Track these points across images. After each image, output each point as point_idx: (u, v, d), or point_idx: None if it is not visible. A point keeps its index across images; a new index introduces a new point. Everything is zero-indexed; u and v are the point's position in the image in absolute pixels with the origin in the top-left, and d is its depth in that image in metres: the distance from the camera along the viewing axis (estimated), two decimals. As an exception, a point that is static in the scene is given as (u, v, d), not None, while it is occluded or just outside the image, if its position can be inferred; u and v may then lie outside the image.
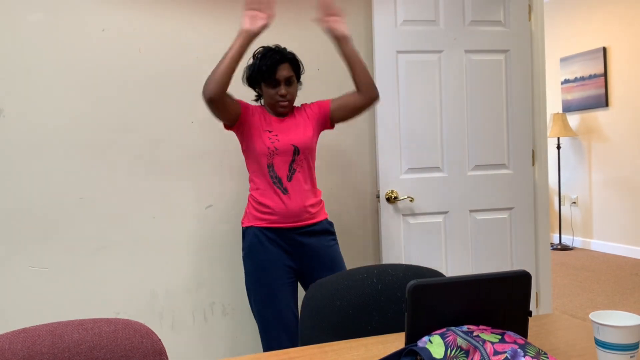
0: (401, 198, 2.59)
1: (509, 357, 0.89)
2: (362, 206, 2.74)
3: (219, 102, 1.88)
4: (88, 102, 2.36)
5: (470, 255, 2.71)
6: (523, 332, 1.05)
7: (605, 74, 5.39)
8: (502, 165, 2.75)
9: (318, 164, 2.64)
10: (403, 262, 2.62)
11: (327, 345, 1.25)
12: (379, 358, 1.15)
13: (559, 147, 5.84)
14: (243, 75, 2.12)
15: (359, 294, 1.48)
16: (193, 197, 2.49)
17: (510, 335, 0.95)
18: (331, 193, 2.68)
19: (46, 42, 2.30)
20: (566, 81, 5.90)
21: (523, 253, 2.78)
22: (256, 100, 2.17)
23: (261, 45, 2.07)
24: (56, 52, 2.31)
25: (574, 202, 5.93)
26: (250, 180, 2.07)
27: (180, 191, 2.48)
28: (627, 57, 5.19)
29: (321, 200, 2.12)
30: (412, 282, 0.97)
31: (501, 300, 1.02)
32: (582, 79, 5.66)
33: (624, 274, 4.66)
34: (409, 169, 2.62)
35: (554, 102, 6.12)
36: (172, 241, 2.47)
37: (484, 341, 0.92)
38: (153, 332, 1.18)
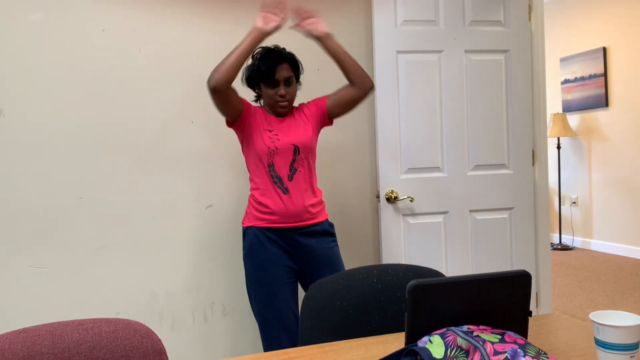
0: (401, 198, 2.59)
1: (509, 357, 0.89)
2: (362, 206, 2.74)
3: (222, 93, 1.88)
4: (88, 102, 2.36)
5: (470, 255, 2.71)
6: (523, 332, 1.05)
7: (605, 74, 5.39)
8: (502, 165, 2.75)
9: (318, 164, 2.64)
10: (403, 262, 2.62)
11: (327, 345, 1.25)
12: (379, 358, 1.15)
13: (559, 147, 5.84)
14: (242, 76, 2.12)
15: (359, 294, 1.48)
16: (193, 197, 2.49)
17: (510, 335, 0.95)
18: (331, 193, 2.68)
19: (46, 42, 2.30)
20: (566, 81, 5.90)
21: (523, 253, 2.77)
22: (256, 100, 2.17)
23: (260, 46, 2.07)
24: (56, 52, 2.31)
25: (574, 202, 5.93)
26: (251, 180, 2.07)
27: (180, 191, 2.48)
28: (627, 57, 5.19)
29: (322, 201, 2.12)
30: (412, 282, 0.97)
31: (501, 300, 1.02)
32: (582, 79, 5.66)
33: (624, 274, 4.66)
34: (409, 169, 2.62)
35: (554, 102, 6.12)
36: (172, 241, 2.47)
37: (484, 341, 0.92)
38: (153, 332, 1.18)
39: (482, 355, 0.90)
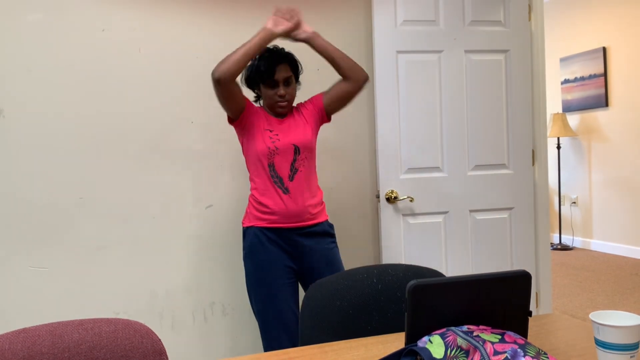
0: (401, 198, 2.59)
1: (509, 357, 0.89)
2: (362, 206, 2.74)
3: (226, 86, 1.88)
4: (88, 102, 2.36)
5: (470, 255, 2.71)
6: (523, 332, 1.05)
7: (605, 74, 5.39)
8: (502, 165, 2.75)
9: (318, 164, 2.64)
10: (403, 262, 2.62)
11: (327, 345, 1.25)
12: (379, 358, 1.15)
13: (559, 147, 5.84)
14: (242, 76, 2.12)
15: (359, 294, 1.48)
16: (193, 197, 2.49)
17: (510, 335, 0.95)
18: (331, 193, 2.68)
19: (46, 42, 2.30)
20: (566, 81, 5.90)
21: (523, 253, 2.77)
22: (255, 101, 2.17)
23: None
24: (56, 52, 2.31)
25: (574, 202, 5.93)
26: (251, 180, 2.07)
27: (180, 191, 2.48)
28: (627, 57, 5.19)
29: (322, 202, 2.12)
30: (412, 282, 0.97)
31: (501, 300, 1.02)
32: (582, 79, 5.66)
33: (624, 274, 4.66)
34: (409, 169, 2.62)
35: (554, 102, 6.12)
36: (172, 241, 2.47)
37: (484, 341, 0.92)
38: (153, 332, 1.18)
39: (482, 355, 0.90)
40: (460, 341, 0.94)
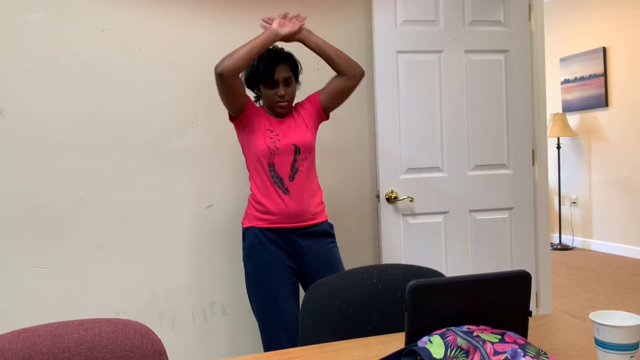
0: (401, 198, 2.59)
1: (509, 357, 0.89)
2: (362, 206, 2.74)
3: (228, 81, 1.88)
4: (88, 102, 2.36)
5: (470, 255, 2.71)
6: (523, 332, 1.05)
7: (605, 74, 5.39)
8: (502, 165, 2.75)
9: (318, 164, 2.64)
10: (403, 262, 2.62)
11: (327, 345, 1.25)
12: (379, 358, 1.15)
13: (559, 147, 5.84)
14: (242, 77, 2.11)
15: (359, 294, 1.48)
16: (193, 197, 2.49)
17: (510, 335, 0.95)
18: (331, 193, 2.68)
19: (46, 42, 2.30)
20: (566, 81, 5.90)
21: (523, 253, 2.77)
22: (255, 101, 2.17)
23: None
24: (56, 52, 2.31)
25: (574, 202, 5.93)
26: (251, 180, 2.07)
27: (180, 191, 2.48)
28: (627, 57, 5.19)
29: (322, 202, 2.12)
30: (412, 282, 0.97)
31: (501, 300, 1.02)
32: (582, 79, 5.66)
33: (624, 274, 4.66)
34: (409, 169, 2.62)
35: (554, 102, 6.12)
36: (172, 241, 2.47)
37: (484, 341, 0.92)
38: (153, 332, 1.18)
39: (482, 355, 0.90)
40: (460, 341, 0.94)
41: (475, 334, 0.95)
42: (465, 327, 0.98)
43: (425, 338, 0.97)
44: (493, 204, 2.73)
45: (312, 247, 2.04)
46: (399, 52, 2.59)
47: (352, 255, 2.71)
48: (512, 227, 2.76)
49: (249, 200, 2.08)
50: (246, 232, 2.05)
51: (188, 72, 2.47)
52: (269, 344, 2.00)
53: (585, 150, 5.74)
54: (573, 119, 5.87)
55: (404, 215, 2.62)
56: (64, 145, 2.33)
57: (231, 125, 2.49)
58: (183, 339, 2.49)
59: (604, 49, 5.39)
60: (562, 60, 5.93)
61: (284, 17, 1.98)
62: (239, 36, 2.51)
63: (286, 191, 2.00)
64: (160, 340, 1.18)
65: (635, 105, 5.14)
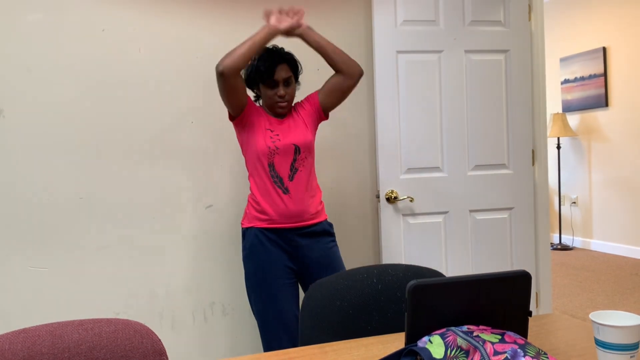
0: (401, 198, 2.59)
1: (509, 357, 0.89)
2: (362, 206, 2.74)
3: (229, 79, 1.88)
4: (88, 102, 2.36)
5: (470, 255, 2.71)
6: (523, 332, 1.05)
7: (605, 74, 5.39)
8: (502, 165, 2.75)
9: (318, 164, 2.64)
10: (403, 262, 2.62)
11: (327, 345, 1.25)
12: (379, 358, 1.15)
13: (559, 147, 5.84)
14: (241, 76, 2.11)
15: (359, 294, 1.48)
16: (193, 197, 2.49)
17: (510, 335, 0.95)
18: (331, 193, 2.68)
19: (46, 42, 2.30)
20: (566, 81, 5.90)
21: (523, 253, 2.77)
22: (255, 100, 2.17)
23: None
24: (56, 52, 2.31)
25: (574, 202, 5.93)
26: (250, 180, 2.07)
27: (180, 191, 2.48)
28: (627, 57, 5.19)
29: (321, 201, 2.12)
30: (412, 282, 0.97)
31: (501, 300, 1.02)
32: (582, 79, 5.66)
33: (624, 274, 4.66)
34: (409, 169, 2.62)
35: (554, 102, 6.12)
36: (172, 241, 2.47)
37: (484, 341, 0.92)
38: (153, 332, 1.18)
39: (482, 355, 0.90)
40: (460, 341, 0.94)
41: (475, 334, 0.95)
42: (465, 327, 0.98)
43: (425, 338, 0.97)
44: (493, 204, 2.73)
45: (312, 246, 2.04)
46: (399, 52, 2.59)
47: (352, 255, 2.71)
48: (512, 227, 2.76)
49: (248, 200, 2.08)
50: (246, 232, 2.05)
51: (188, 72, 2.47)
52: (269, 344, 2.00)
53: (585, 150, 5.74)
54: (573, 119, 5.87)
55: (404, 215, 2.62)
56: (64, 145, 2.33)
57: (231, 125, 2.49)
58: (183, 339, 2.49)
59: (604, 49, 5.39)
60: (562, 60, 5.93)
61: (282, 11, 1.96)
62: (239, 36, 2.51)
63: (286, 191, 2.00)
64: (160, 340, 1.18)
65: (635, 105, 5.14)
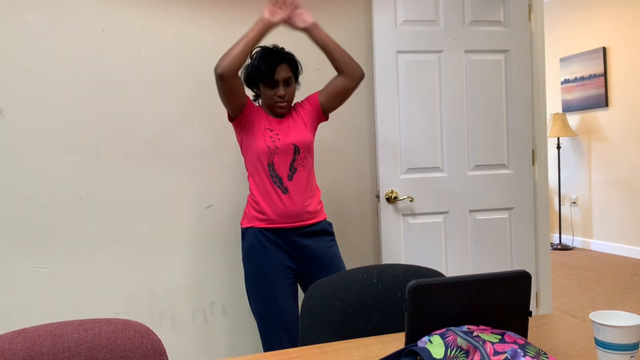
0: (401, 198, 2.59)
1: (509, 357, 0.89)
2: (362, 206, 2.74)
3: (229, 81, 1.87)
4: (88, 102, 2.36)
5: (470, 255, 2.71)
6: (523, 332, 1.05)
7: (605, 74, 5.39)
8: (502, 165, 2.75)
9: (318, 164, 2.64)
10: (403, 262, 2.62)
11: (327, 345, 1.25)
12: (379, 358, 1.15)
13: (559, 147, 5.84)
14: (241, 76, 2.11)
15: (359, 294, 1.48)
16: (193, 197, 2.49)
17: (510, 335, 0.95)
18: (331, 193, 2.68)
19: (46, 42, 2.30)
20: (566, 81, 5.90)
21: (523, 253, 2.77)
22: (254, 100, 2.17)
23: (259, 45, 2.07)
24: (56, 52, 2.31)
25: (574, 202, 5.93)
26: (250, 180, 2.07)
27: (180, 191, 2.48)
28: (627, 57, 5.19)
29: (321, 201, 2.12)
30: (412, 282, 0.97)
31: (501, 300, 1.02)
32: (582, 79, 5.66)
33: (624, 274, 4.66)
34: (409, 169, 2.62)
35: (554, 102, 6.12)
36: (172, 241, 2.47)
37: (484, 341, 0.92)
38: (153, 332, 1.18)
39: (482, 355, 0.90)
40: (460, 341, 0.94)
41: (475, 334, 0.95)
42: (465, 327, 0.98)
43: (425, 338, 0.97)
44: (493, 204, 2.73)
45: (312, 246, 2.04)
46: (399, 52, 2.59)
47: (352, 255, 2.71)
48: (512, 227, 2.76)
49: (247, 200, 2.08)
50: (245, 232, 2.05)
51: (188, 72, 2.47)
52: (269, 344, 2.00)
53: (585, 150, 5.74)
54: (573, 119, 5.87)
55: (404, 215, 2.62)
56: (64, 145, 2.33)
57: (231, 125, 2.49)
58: (183, 339, 2.49)
59: (604, 49, 5.39)
60: (562, 60, 5.93)
61: (276, 3, 1.92)
62: (239, 36, 2.51)
63: (285, 191, 2.00)
64: (160, 340, 1.18)
65: (635, 105, 5.14)
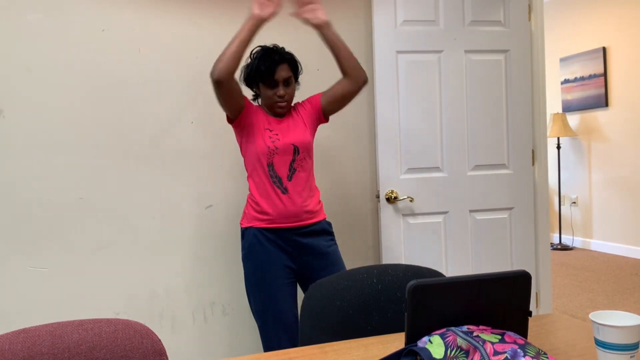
0: (401, 198, 2.59)
1: (509, 357, 0.89)
2: (362, 206, 2.74)
3: (226, 85, 1.87)
4: (88, 102, 2.36)
5: (470, 255, 2.71)
6: (523, 332, 1.05)
7: (605, 74, 5.39)
8: (502, 165, 2.75)
9: (318, 164, 2.64)
10: (403, 262, 2.62)
11: (327, 345, 1.25)
12: (379, 358, 1.15)
13: (559, 147, 5.84)
14: (240, 75, 2.11)
15: (359, 294, 1.48)
16: (193, 197, 2.49)
17: (510, 335, 0.95)
18: (331, 193, 2.68)
19: (46, 42, 2.30)
20: (566, 81, 5.90)
21: (523, 253, 2.77)
22: (253, 100, 2.17)
23: (259, 45, 2.07)
24: (56, 52, 2.31)
25: (574, 202, 5.93)
26: (249, 180, 2.06)
27: (180, 191, 2.48)
28: (627, 57, 5.19)
29: (320, 201, 2.12)
30: (412, 282, 0.97)
31: (501, 300, 1.02)
32: (582, 79, 5.66)
33: (624, 274, 4.66)
34: (409, 169, 2.62)
35: (554, 102, 6.12)
36: (172, 241, 2.47)
37: (484, 341, 0.92)
38: (153, 332, 1.18)
39: (482, 355, 0.90)
40: (460, 341, 0.94)
41: (475, 334, 0.95)
42: (465, 327, 0.98)
43: (425, 338, 0.97)
44: (493, 204, 2.73)
45: (312, 245, 2.04)
46: (399, 52, 2.59)
47: (352, 255, 2.71)
48: (512, 227, 2.76)
49: (247, 200, 2.08)
50: (245, 232, 2.05)
51: (188, 72, 2.47)
52: (269, 344, 2.00)
53: (585, 150, 5.74)
54: (573, 119, 5.87)
55: (404, 215, 2.62)
56: (64, 145, 2.33)
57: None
58: (183, 339, 2.49)
59: (604, 49, 5.39)
60: (562, 60, 5.93)
61: None
62: (239, 36, 2.51)
63: (285, 191, 2.00)
64: (160, 340, 1.18)
65: (635, 105, 5.14)
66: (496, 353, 0.90)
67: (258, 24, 1.87)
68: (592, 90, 5.54)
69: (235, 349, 2.56)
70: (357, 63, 2.03)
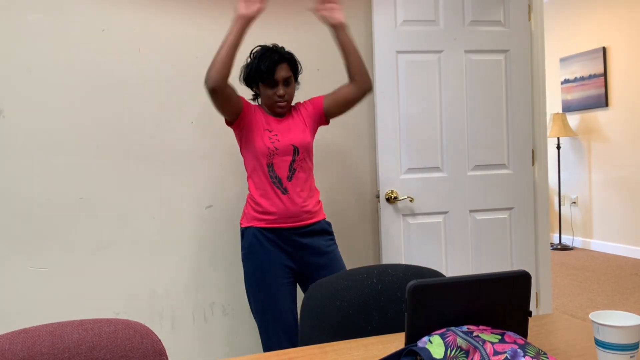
0: (401, 198, 2.59)
1: (509, 357, 0.89)
2: (362, 206, 2.74)
3: (221, 92, 1.86)
4: (88, 102, 2.36)
5: (470, 255, 2.71)
6: (523, 332, 1.05)
7: (605, 74, 5.39)
8: (502, 165, 2.75)
9: (318, 164, 2.64)
10: (403, 262, 2.62)
11: (327, 345, 1.25)
12: (379, 358, 1.15)
13: (558, 147, 5.84)
14: (240, 75, 2.11)
15: (359, 294, 1.48)
16: (193, 197, 2.49)
17: (510, 335, 0.95)
18: (331, 193, 2.68)
19: (46, 42, 2.30)
20: (566, 81, 5.90)
21: (523, 253, 2.77)
22: (253, 99, 2.17)
23: (259, 45, 2.07)
24: (56, 52, 2.31)
25: (574, 202, 5.93)
26: (249, 181, 2.06)
27: (180, 191, 2.48)
28: (627, 57, 5.19)
29: (320, 201, 2.12)
30: (412, 282, 0.97)
31: (501, 300, 1.02)
32: (582, 79, 5.66)
33: (624, 274, 4.66)
34: (409, 169, 2.62)
35: (554, 102, 6.12)
36: (172, 241, 2.47)
37: (483, 341, 0.92)
38: (153, 332, 1.18)
39: (482, 355, 0.90)
40: (460, 341, 0.94)
41: (475, 334, 0.95)
42: (465, 327, 0.98)
43: (425, 338, 0.97)
44: (493, 204, 2.73)
45: (312, 245, 2.04)
46: (399, 52, 2.59)
47: (352, 255, 2.71)
48: (512, 227, 2.76)
49: (247, 200, 2.08)
50: (245, 232, 2.05)
51: (188, 72, 2.47)
52: (269, 344, 2.00)
53: (585, 150, 5.74)
54: (573, 119, 5.87)
55: (404, 215, 2.62)
56: (64, 145, 2.33)
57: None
58: (183, 339, 2.49)
59: (604, 49, 5.39)
60: (562, 60, 5.93)
61: None
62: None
63: (285, 191, 2.00)
64: (160, 340, 1.18)
65: (635, 105, 5.14)
66: (496, 353, 0.90)
67: (245, 24, 1.86)
68: (592, 90, 5.54)
69: (235, 349, 2.56)
70: (365, 70, 2.03)
